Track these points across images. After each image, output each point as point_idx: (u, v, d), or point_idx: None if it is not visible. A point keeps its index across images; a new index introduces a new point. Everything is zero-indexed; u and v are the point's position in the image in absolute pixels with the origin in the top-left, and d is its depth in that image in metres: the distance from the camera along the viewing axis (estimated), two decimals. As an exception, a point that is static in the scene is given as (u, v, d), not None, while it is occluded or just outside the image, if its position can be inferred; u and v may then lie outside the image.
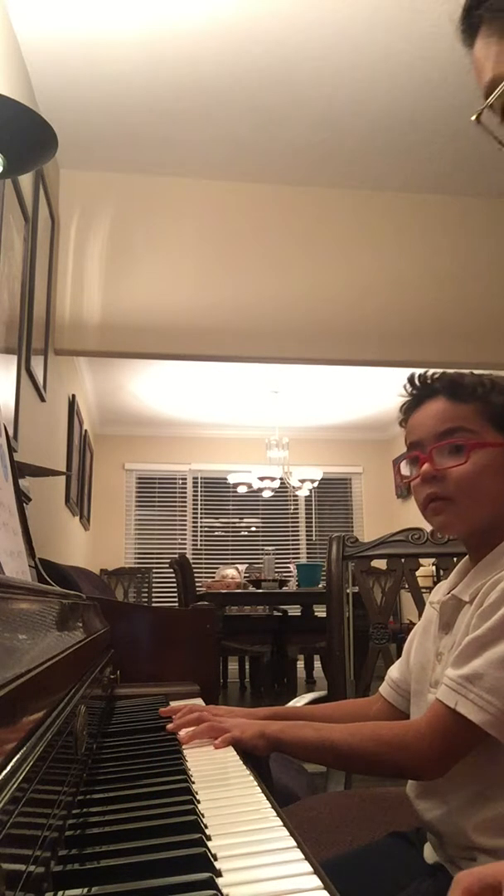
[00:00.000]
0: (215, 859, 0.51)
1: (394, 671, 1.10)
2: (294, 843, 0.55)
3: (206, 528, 7.20)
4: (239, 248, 3.60)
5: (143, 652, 1.48)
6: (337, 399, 6.30)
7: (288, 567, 6.18)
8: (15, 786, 0.41)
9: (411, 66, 2.78)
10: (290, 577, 5.62)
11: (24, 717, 0.47)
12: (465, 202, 3.75)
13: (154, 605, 6.28)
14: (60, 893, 0.47)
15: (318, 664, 5.66)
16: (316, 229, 3.68)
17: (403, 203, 3.75)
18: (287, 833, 0.58)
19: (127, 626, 1.47)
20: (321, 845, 1.07)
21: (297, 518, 7.36)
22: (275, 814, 0.63)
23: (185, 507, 7.16)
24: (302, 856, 0.52)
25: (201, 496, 7.20)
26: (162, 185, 3.55)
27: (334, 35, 2.61)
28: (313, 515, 7.36)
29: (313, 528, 7.34)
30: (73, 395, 4.56)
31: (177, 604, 5.27)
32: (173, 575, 5.16)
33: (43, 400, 3.13)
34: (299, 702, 1.61)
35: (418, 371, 0.99)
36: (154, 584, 6.50)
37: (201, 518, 7.19)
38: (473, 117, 0.67)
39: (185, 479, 7.19)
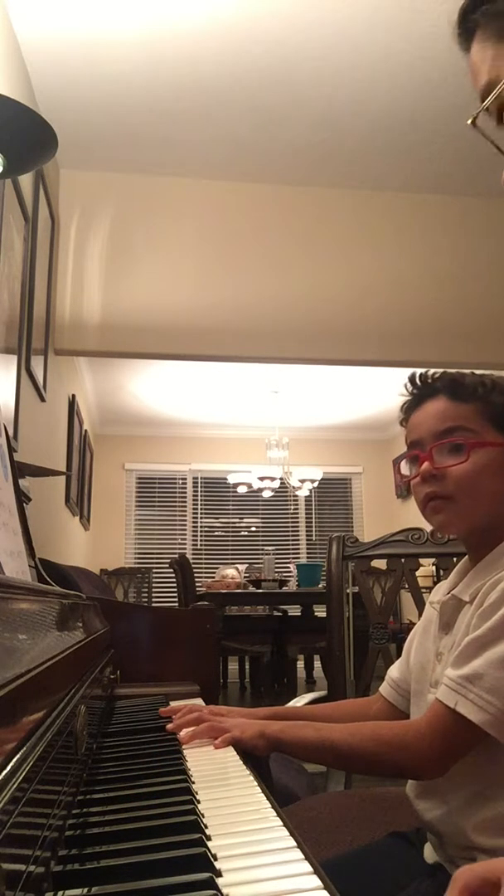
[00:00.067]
0: (215, 859, 0.51)
1: (394, 671, 1.10)
2: (294, 843, 0.55)
3: (206, 528, 7.20)
4: (239, 248, 3.60)
5: (143, 652, 1.48)
6: (337, 399, 6.30)
7: (288, 567, 6.18)
8: (15, 786, 0.41)
9: (411, 66, 2.78)
10: (290, 577, 5.62)
11: (24, 717, 0.47)
12: (465, 202, 3.75)
13: (154, 605, 6.28)
14: (60, 893, 0.47)
15: (318, 664, 5.66)
16: (316, 229, 3.68)
17: (403, 203, 3.75)
18: (287, 833, 0.58)
19: (127, 626, 1.47)
20: (321, 845, 1.07)
21: (297, 518, 7.36)
22: (275, 814, 0.63)
23: (185, 507, 7.16)
24: (302, 856, 0.52)
25: (201, 496, 7.20)
26: (162, 185, 3.55)
27: (334, 35, 2.61)
28: (313, 515, 7.36)
29: (313, 528, 7.34)
30: (73, 395, 4.56)
31: (177, 604, 5.27)
32: (173, 575, 5.16)
33: (43, 400, 3.13)
34: (299, 702, 1.61)
35: (419, 371, 0.99)
36: (154, 584, 6.50)
37: (201, 518, 7.19)
38: (469, 121, 0.67)
39: (185, 479, 7.19)
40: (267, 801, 0.67)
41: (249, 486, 6.25)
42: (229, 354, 3.58)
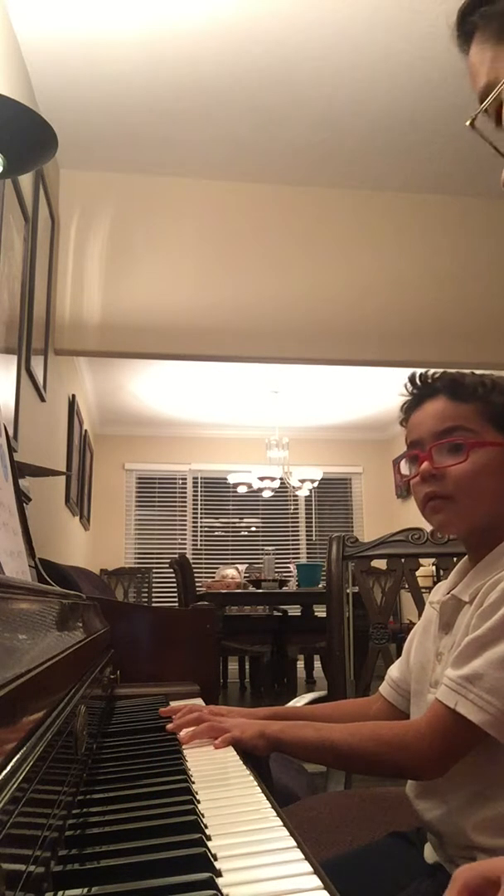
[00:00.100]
0: (215, 859, 0.51)
1: (394, 671, 1.10)
2: (294, 843, 0.55)
3: (206, 528, 7.20)
4: (239, 248, 3.60)
5: (143, 652, 1.48)
6: (337, 399, 6.30)
7: (288, 567, 6.18)
8: (15, 786, 0.41)
9: (411, 66, 2.78)
10: (290, 577, 5.62)
11: (24, 717, 0.47)
12: (465, 202, 3.75)
13: (154, 605, 6.28)
14: (60, 893, 0.47)
15: (318, 664, 5.66)
16: (316, 229, 3.68)
17: (403, 203, 3.75)
18: (287, 833, 0.58)
19: (127, 626, 1.47)
20: (321, 845, 1.07)
21: (297, 518, 7.36)
22: (275, 814, 0.63)
23: (185, 507, 7.16)
24: (302, 856, 0.52)
25: (201, 496, 7.20)
26: (162, 185, 3.55)
27: (334, 35, 2.61)
28: (313, 515, 7.36)
29: (313, 528, 7.34)
30: (73, 395, 4.56)
31: (177, 604, 5.27)
32: (173, 575, 5.16)
33: (43, 400, 3.13)
34: (299, 702, 1.61)
35: (419, 371, 0.99)
36: (154, 584, 6.50)
37: (201, 518, 7.19)
38: (468, 122, 0.67)
39: (185, 479, 7.19)
40: (267, 801, 0.67)
41: (249, 486, 6.26)
42: (229, 354, 3.58)
